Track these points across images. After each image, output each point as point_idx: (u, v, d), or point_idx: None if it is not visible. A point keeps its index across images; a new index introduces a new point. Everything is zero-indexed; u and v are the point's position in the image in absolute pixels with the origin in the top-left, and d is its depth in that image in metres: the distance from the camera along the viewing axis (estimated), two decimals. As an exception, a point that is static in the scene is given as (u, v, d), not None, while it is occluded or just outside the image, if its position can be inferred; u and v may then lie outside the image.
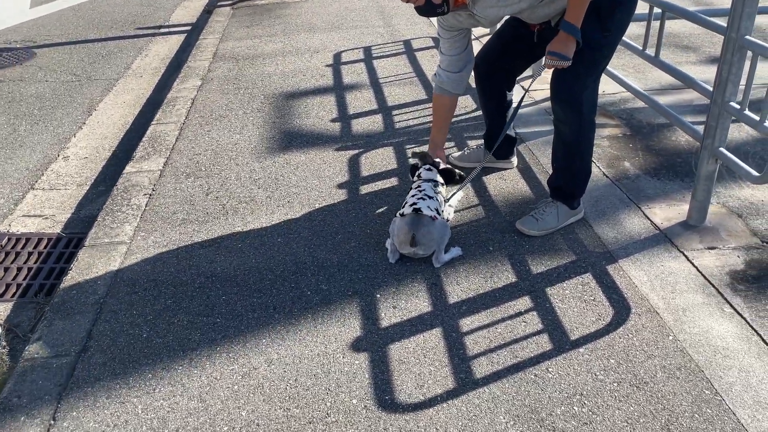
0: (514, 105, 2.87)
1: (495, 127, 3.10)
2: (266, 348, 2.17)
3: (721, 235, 2.65)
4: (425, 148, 3.48)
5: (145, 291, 2.48)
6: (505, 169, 3.26)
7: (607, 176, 3.16)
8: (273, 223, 2.88)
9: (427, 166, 2.78)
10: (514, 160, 3.27)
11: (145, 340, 2.23)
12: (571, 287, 2.39)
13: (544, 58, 2.47)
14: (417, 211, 2.48)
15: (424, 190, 2.61)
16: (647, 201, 2.93)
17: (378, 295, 2.39)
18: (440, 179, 2.75)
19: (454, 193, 2.82)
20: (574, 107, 2.55)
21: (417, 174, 2.78)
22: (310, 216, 2.93)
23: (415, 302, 2.35)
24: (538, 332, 2.18)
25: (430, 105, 4.08)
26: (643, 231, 2.70)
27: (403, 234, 2.46)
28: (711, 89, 2.51)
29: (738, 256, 2.52)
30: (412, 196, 2.60)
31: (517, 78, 3.01)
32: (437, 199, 2.60)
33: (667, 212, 2.82)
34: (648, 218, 2.78)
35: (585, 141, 2.64)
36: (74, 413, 1.96)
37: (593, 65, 2.50)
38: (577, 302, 2.31)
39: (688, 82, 2.70)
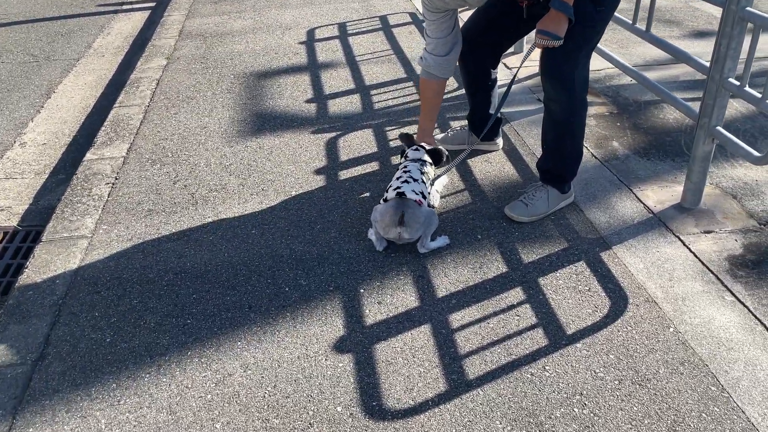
0: (504, 87, 2.71)
1: (478, 106, 2.95)
2: (242, 352, 2.00)
3: (716, 217, 2.54)
4: (409, 129, 3.32)
5: (108, 290, 2.29)
6: (490, 151, 3.11)
7: (595, 157, 3.03)
8: (246, 212, 2.70)
9: (415, 147, 2.62)
10: (500, 141, 3.13)
11: (109, 346, 2.05)
12: (565, 277, 2.26)
13: (534, 37, 2.31)
14: (401, 195, 2.33)
15: (409, 171, 2.46)
16: (639, 183, 2.81)
17: (361, 290, 2.24)
18: (428, 158, 2.60)
19: (439, 176, 2.67)
20: (566, 85, 2.40)
21: (404, 155, 2.62)
22: (286, 204, 2.75)
23: (402, 297, 2.20)
24: (533, 327, 2.05)
25: (410, 84, 3.91)
26: (636, 215, 2.58)
27: (389, 216, 2.31)
28: (707, 65, 2.37)
29: (736, 240, 2.42)
30: (397, 178, 2.44)
31: (502, 55, 2.85)
32: (423, 181, 2.44)
33: (660, 195, 2.71)
34: (641, 201, 2.66)
35: (577, 121, 2.50)
36: (30, 430, 1.78)
37: (585, 41, 2.35)
38: (572, 293, 2.18)
39: (682, 57, 2.57)
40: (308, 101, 3.74)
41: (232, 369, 1.94)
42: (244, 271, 2.36)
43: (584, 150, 3.07)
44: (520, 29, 2.70)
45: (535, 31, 2.32)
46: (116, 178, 3.01)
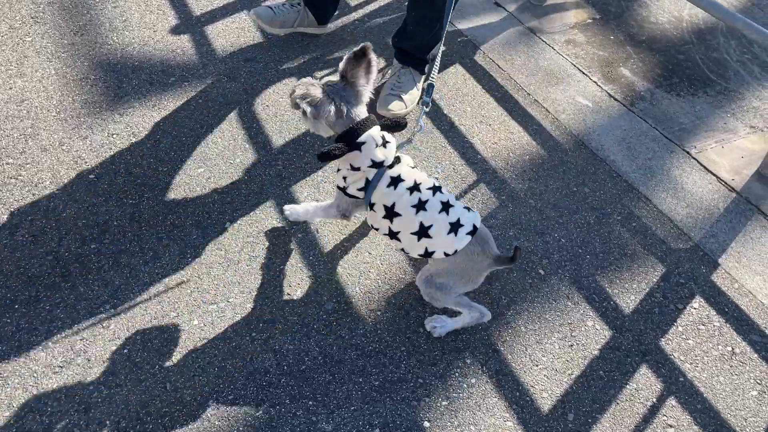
0: None
1: None
2: None
3: (808, 188, 1.99)
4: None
5: None
6: (317, 35, 2.42)
7: (615, 99, 2.29)
8: (182, 302, 1.63)
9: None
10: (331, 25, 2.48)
11: None
12: (691, 331, 1.60)
13: None
14: (473, 233, 1.43)
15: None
16: (689, 138, 2.15)
17: (426, 424, 1.40)
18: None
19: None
20: None
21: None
22: (264, 289, 1.71)
23: (491, 425, 1.40)
24: (700, 443, 1.40)
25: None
26: (717, 197, 1.95)
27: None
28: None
29: None
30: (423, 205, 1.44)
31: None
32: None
33: (727, 158, 2.08)
34: (710, 171, 2.02)
35: None
36: None
37: None
38: (716, 363, 1.54)
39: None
40: (175, 31, 2.46)
41: None
42: None
43: (595, 87, 2.32)
44: None
45: None
46: None
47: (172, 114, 2.10)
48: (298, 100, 1.37)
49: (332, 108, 1.40)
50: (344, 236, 1.78)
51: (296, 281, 1.66)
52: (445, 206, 1.43)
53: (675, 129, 2.17)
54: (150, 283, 1.63)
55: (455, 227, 1.41)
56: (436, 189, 1.45)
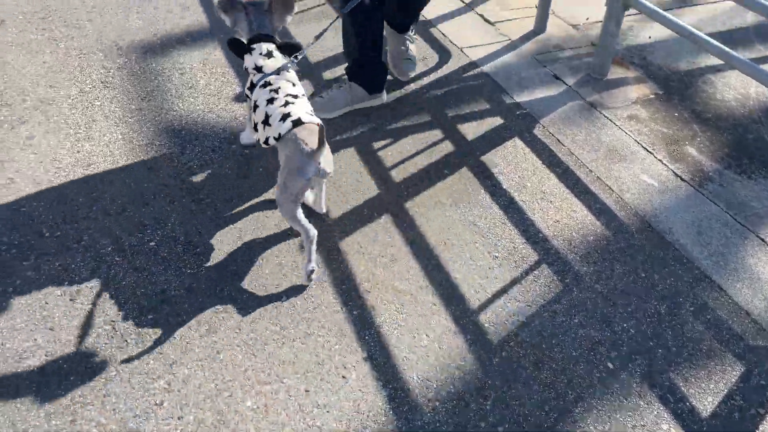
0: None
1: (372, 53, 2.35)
2: None
3: None
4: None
5: None
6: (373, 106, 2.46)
7: (682, 179, 2.22)
8: (236, 380, 1.59)
9: (266, 50, 1.82)
10: (384, 95, 2.47)
11: None
12: (776, 440, 1.48)
13: None
14: (297, 122, 1.66)
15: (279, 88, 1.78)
16: (764, 225, 2.06)
17: None
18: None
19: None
20: None
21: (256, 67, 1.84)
22: (293, 352, 1.67)
23: None
24: None
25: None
26: (797, 290, 1.83)
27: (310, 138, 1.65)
28: None
29: None
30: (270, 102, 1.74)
31: None
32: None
33: (805, 246, 1.97)
34: (788, 262, 1.92)
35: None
36: None
37: None
38: (805, 478, 1.41)
39: None
40: (238, 99, 2.51)
41: None
42: None
43: (660, 166, 2.26)
44: None
45: None
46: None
47: (234, 183, 2.11)
48: (219, 8, 1.79)
49: (245, 23, 1.80)
50: (401, 315, 1.73)
51: (351, 362, 1.61)
52: (288, 102, 1.70)
53: (747, 214, 2.08)
54: (204, 358, 1.60)
55: (285, 117, 1.66)
56: (293, 96, 1.73)
